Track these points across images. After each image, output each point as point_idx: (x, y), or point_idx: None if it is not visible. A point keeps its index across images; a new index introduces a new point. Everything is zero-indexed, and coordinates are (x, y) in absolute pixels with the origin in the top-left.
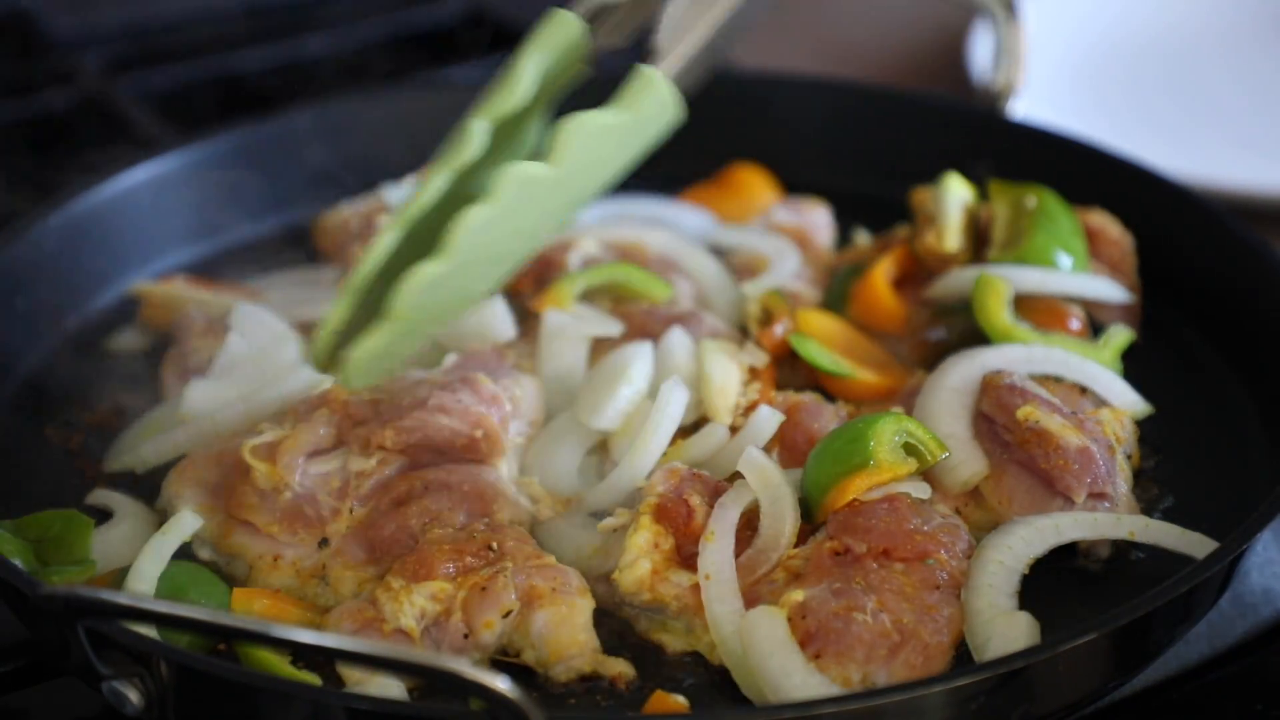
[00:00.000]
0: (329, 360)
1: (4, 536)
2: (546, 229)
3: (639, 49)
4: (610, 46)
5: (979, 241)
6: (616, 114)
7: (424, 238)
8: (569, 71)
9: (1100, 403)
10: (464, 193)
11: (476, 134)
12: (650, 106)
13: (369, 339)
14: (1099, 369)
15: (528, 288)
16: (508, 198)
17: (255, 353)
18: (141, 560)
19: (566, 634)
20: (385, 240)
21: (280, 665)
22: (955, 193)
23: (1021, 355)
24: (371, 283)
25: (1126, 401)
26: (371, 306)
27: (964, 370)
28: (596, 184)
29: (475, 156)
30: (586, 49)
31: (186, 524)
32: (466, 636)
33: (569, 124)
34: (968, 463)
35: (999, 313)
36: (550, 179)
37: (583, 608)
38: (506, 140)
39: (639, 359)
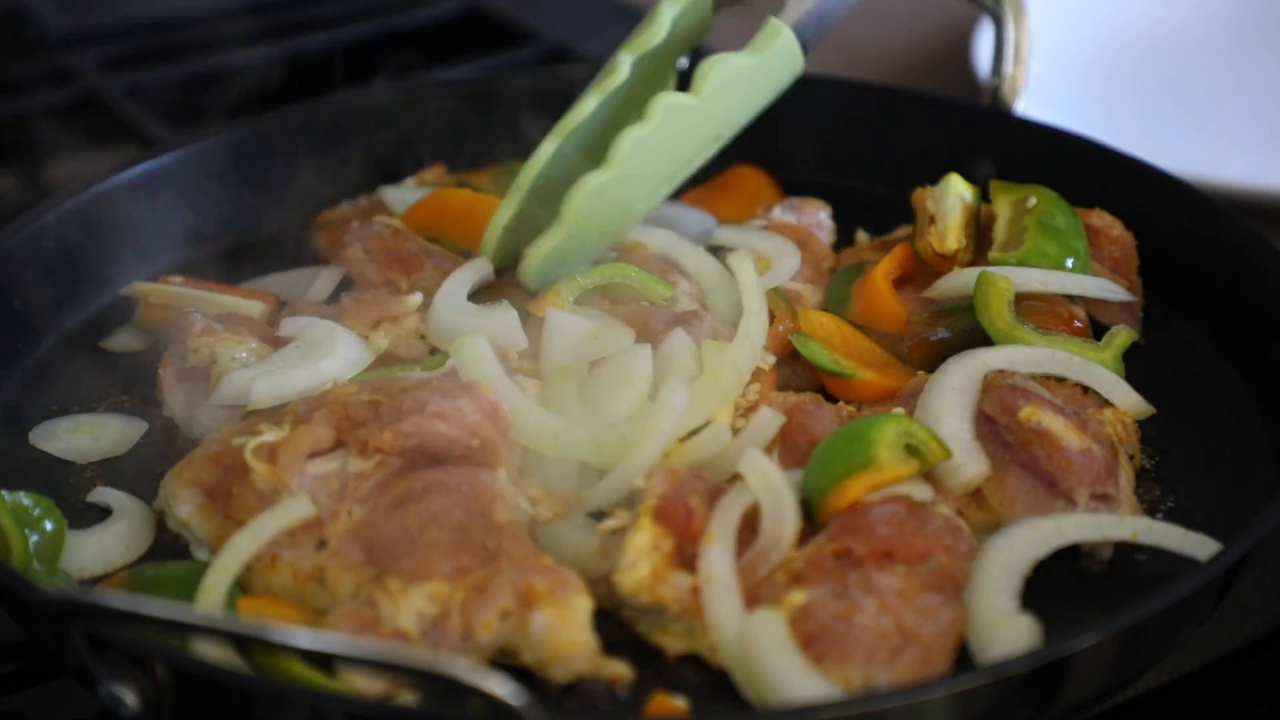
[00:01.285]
0: (499, 255)
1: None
2: (691, 157)
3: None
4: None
5: (981, 241)
6: (748, 56)
7: (580, 151)
8: (693, 31)
9: (1103, 403)
10: (613, 116)
11: (624, 64)
12: (776, 54)
13: (544, 240)
14: (1101, 370)
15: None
16: (658, 121)
17: (309, 345)
18: (240, 537)
19: (565, 635)
20: (546, 149)
21: (309, 674)
22: (956, 192)
23: (1023, 356)
24: (534, 187)
25: (1129, 403)
26: (532, 210)
27: (966, 370)
28: (731, 122)
29: (621, 81)
30: (708, 13)
31: (298, 508)
32: (465, 638)
33: (709, 61)
34: (970, 464)
35: (1002, 313)
36: (694, 108)
37: (581, 608)
38: (645, 80)
39: (639, 360)
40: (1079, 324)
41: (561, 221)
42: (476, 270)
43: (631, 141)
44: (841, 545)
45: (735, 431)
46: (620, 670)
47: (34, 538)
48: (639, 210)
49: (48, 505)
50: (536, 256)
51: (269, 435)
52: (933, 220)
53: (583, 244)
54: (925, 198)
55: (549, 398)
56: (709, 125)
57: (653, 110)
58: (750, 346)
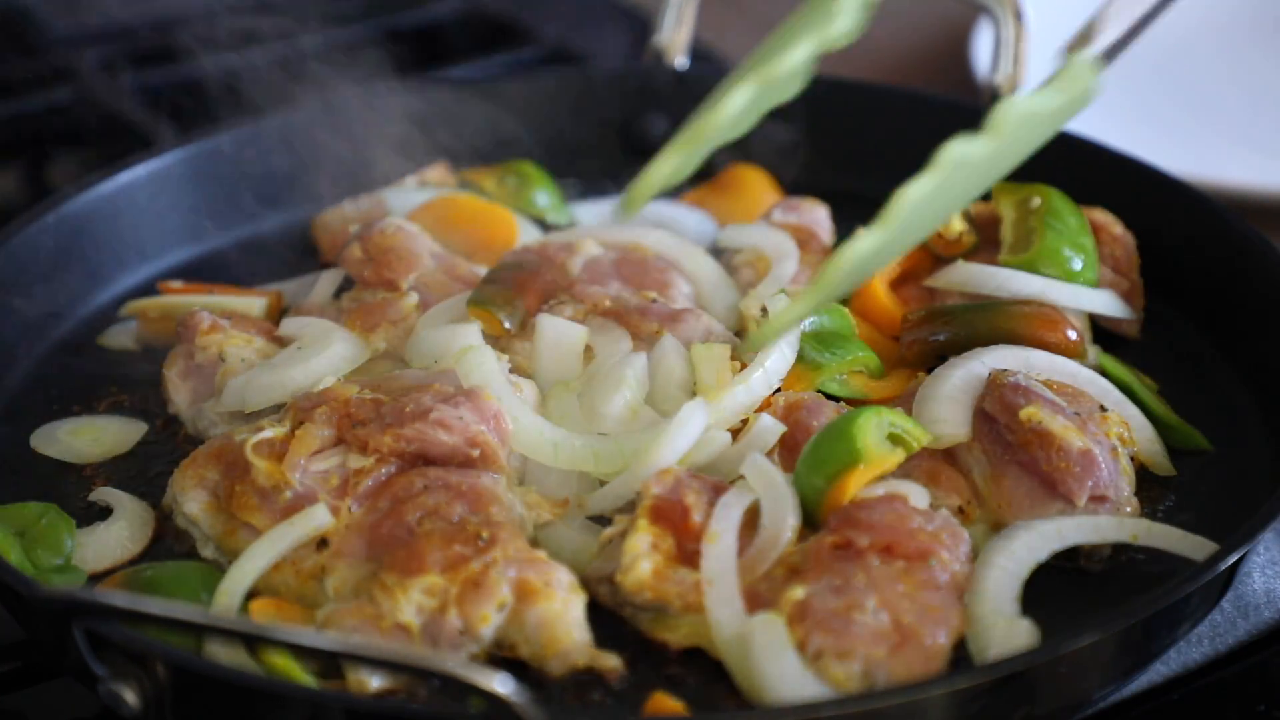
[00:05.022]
0: (631, 206)
1: None
2: (966, 199)
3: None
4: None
5: (986, 243)
6: (1050, 98)
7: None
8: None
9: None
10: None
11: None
12: (1081, 94)
13: (793, 308)
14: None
15: (532, 288)
16: (946, 172)
17: (305, 344)
18: (260, 545)
19: (561, 629)
20: (738, 99)
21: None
22: None
23: (1019, 358)
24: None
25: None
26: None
27: (964, 371)
28: (1014, 161)
29: (790, 69)
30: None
31: (317, 517)
32: (463, 632)
33: (1007, 107)
34: (949, 423)
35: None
36: (985, 155)
37: (575, 603)
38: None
39: (634, 365)
40: (1073, 335)
41: (817, 287)
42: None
43: (914, 198)
44: (842, 537)
45: (734, 434)
46: (613, 663)
47: (46, 551)
48: (894, 256)
49: (54, 511)
50: (774, 326)
51: (268, 432)
52: None
53: (828, 299)
54: None
55: (548, 411)
56: (991, 168)
57: (940, 160)
58: (764, 378)
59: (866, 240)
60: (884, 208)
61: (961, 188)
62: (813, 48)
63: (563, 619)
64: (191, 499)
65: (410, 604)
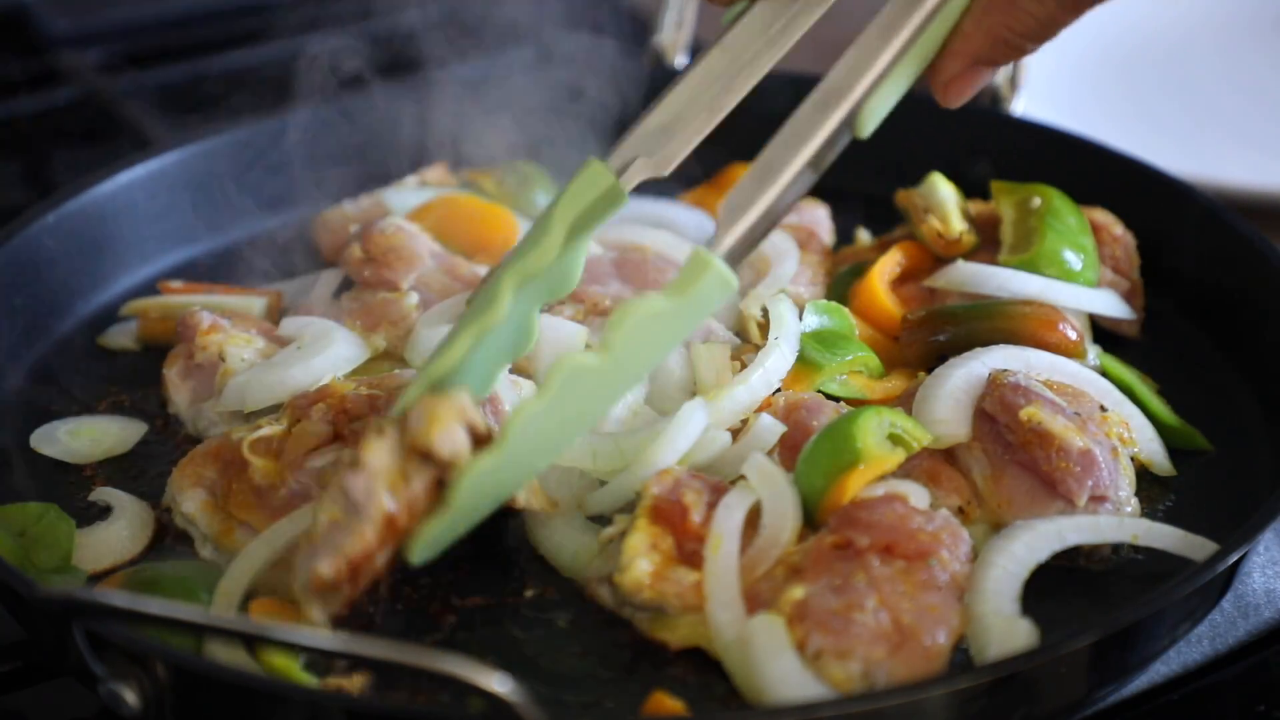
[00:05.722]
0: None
1: None
2: (596, 413)
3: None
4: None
5: (986, 242)
6: (671, 300)
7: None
8: (601, 213)
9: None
10: (490, 341)
11: (504, 299)
12: (705, 290)
13: (428, 525)
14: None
15: None
16: (558, 390)
17: (306, 344)
18: (257, 543)
19: (442, 411)
20: (411, 394)
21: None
22: (944, 187)
23: (1019, 358)
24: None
25: (1156, 454)
26: None
27: (964, 371)
28: (646, 366)
29: (503, 318)
30: (619, 195)
31: (302, 518)
32: (354, 464)
33: (621, 315)
34: (950, 423)
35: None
36: (601, 368)
37: (459, 395)
38: (532, 281)
39: None
40: (1073, 335)
41: (444, 508)
42: (456, 303)
43: (525, 419)
44: (843, 537)
45: (734, 433)
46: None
47: (46, 551)
48: (526, 478)
49: (54, 511)
50: (419, 541)
51: (266, 430)
52: (927, 211)
53: (465, 520)
54: (912, 195)
55: None
56: (617, 379)
57: (550, 379)
58: (764, 378)
59: (482, 461)
60: (502, 429)
61: (585, 398)
62: (472, 340)
63: (447, 407)
64: (189, 498)
65: (327, 499)
